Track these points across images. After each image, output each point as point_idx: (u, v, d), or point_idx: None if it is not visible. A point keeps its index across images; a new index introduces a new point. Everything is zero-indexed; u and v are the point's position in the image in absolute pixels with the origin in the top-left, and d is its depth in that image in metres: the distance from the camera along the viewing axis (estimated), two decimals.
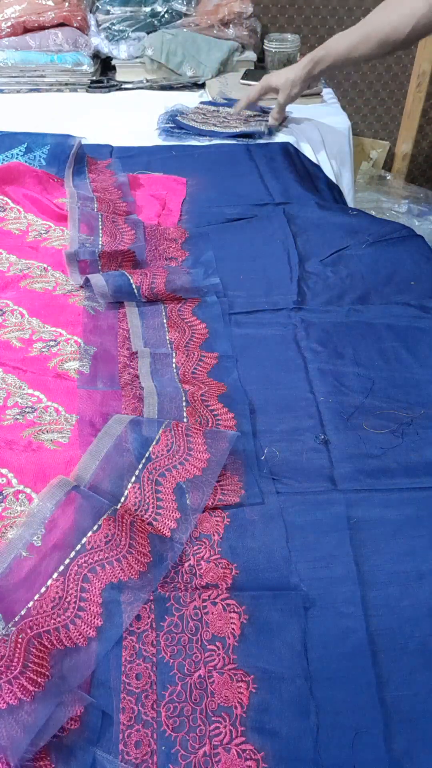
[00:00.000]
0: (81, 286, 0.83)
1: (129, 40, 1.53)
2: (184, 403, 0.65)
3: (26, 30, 1.50)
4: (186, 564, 0.52)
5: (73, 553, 0.50)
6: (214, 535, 0.54)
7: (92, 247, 0.86)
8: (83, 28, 1.53)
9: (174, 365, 0.71)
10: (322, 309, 0.81)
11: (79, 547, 0.50)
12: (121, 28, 1.52)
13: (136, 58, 1.54)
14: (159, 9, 1.54)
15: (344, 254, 0.91)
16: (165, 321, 0.78)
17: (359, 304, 0.82)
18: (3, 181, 1.01)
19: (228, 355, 0.73)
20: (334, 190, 1.19)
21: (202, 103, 1.39)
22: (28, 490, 0.57)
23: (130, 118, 1.37)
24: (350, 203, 1.25)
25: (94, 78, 1.54)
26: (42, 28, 1.50)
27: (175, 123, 1.30)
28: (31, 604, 0.48)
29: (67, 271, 0.84)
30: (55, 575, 0.49)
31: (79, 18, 1.51)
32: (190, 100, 1.42)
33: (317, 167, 1.20)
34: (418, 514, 0.57)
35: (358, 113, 2.08)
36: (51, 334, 0.75)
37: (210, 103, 1.39)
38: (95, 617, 0.47)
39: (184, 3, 1.56)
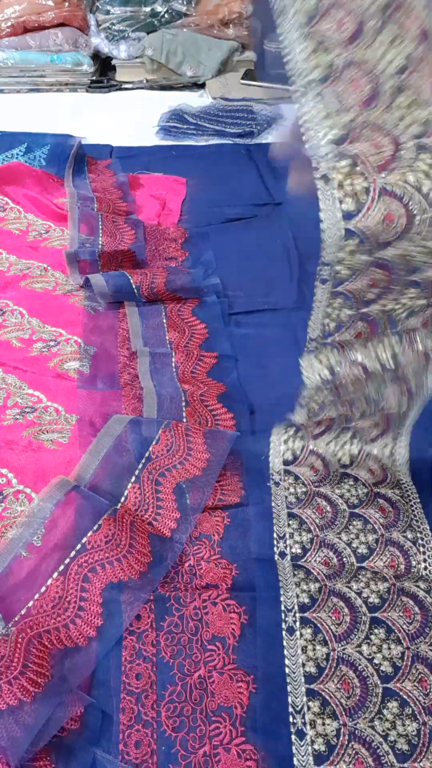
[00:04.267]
0: (81, 286, 0.83)
1: (129, 40, 1.53)
2: (184, 403, 0.64)
3: (26, 30, 1.50)
4: (186, 564, 0.52)
5: (73, 553, 0.50)
6: (214, 535, 0.54)
7: (92, 247, 0.86)
8: (83, 28, 1.53)
9: (173, 365, 0.71)
10: None
11: (79, 546, 0.50)
12: (121, 28, 1.52)
13: (136, 58, 1.54)
14: (159, 9, 1.54)
15: None
16: (165, 321, 0.77)
17: None
18: (3, 181, 1.01)
19: (228, 355, 0.73)
20: None
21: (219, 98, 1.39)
22: (28, 490, 0.57)
23: (130, 118, 1.37)
24: None
25: (94, 78, 1.54)
26: (42, 28, 1.50)
27: (178, 120, 1.30)
28: (31, 603, 0.48)
29: (67, 271, 0.84)
30: (55, 575, 0.49)
31: (79, 18, 1.51)
32: (190, 100, 1.42)
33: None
34: None
35: None
36: (51, 334, 0.75)
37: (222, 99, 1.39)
38: (95, 617, 0.47)
39: (184, 3, 1.56)
